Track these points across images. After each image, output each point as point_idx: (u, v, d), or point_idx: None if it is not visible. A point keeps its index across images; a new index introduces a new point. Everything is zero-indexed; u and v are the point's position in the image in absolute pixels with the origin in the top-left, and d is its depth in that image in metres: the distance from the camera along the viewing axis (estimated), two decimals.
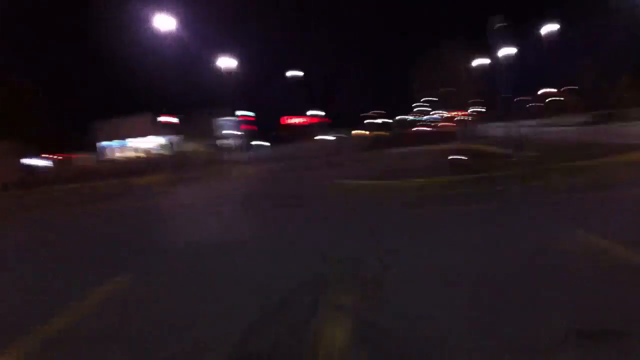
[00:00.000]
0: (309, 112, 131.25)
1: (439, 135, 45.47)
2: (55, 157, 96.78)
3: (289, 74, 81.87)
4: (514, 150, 17.82)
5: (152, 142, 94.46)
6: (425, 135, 47.96)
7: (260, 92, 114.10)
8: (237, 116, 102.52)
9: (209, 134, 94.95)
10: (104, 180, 33.88)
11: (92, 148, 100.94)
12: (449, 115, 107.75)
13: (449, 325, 4.18)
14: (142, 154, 77.28)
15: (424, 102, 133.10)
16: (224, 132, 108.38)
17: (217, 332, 4.53)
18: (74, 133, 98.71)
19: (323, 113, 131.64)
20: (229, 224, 11.18)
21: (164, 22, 31.28)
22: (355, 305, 4.85)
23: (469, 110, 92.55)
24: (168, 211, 15.11)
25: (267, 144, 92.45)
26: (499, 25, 14.57)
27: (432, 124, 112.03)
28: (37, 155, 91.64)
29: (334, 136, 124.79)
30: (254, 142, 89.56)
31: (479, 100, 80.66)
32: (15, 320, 5.52)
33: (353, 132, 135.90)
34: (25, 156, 78.02)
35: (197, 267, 7.12)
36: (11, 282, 7.59)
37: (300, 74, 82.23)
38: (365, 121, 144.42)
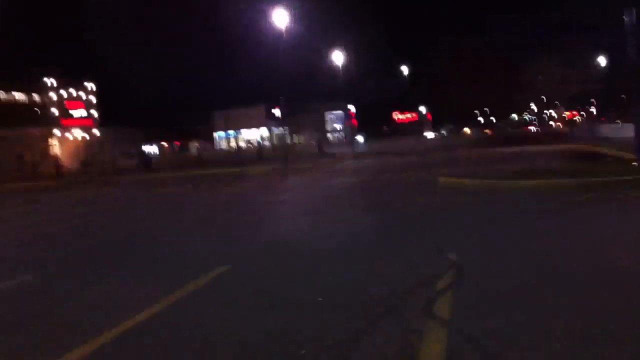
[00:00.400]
0: (417, 108, 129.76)
1: (550, 135, 43.37)
2: (169, 145, 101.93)
3: (401, 68, 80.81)
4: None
5: (263, 134, 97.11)
6: (536, 136, 46.04)
7: (369, 86, 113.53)
8: (347, 110, 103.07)
9: (318, 127, 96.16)
10: (216, 168, 35.04)
11: (209, 137, 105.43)
12: (561, 115, 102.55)
13: None
14: (253, 145, 79.42)
15: (534, 102, 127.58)
16: (332, 125, 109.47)
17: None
18: (192, 122, 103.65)
19: (427, 110, 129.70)
20: (337, 219, 11.19)
21: (280, 17, 32.01)
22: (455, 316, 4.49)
23: (580, 112, 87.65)
24: (280, 202, 15.41)
25: (371, 138, 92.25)
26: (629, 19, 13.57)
27: (541, 124, 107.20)
28: (156, 142, 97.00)
29: (440, 133, 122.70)
30: (359, 136, 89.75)
31: (593, 100, 75.64)
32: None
33: (463, 130, 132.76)
34: (144, 143, 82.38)
35: (310, 264, 7.05)
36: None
37: (408, 70, 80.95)
38: (477, 119, 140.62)
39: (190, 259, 7.84)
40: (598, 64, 58.22)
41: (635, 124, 13.79)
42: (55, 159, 40.55)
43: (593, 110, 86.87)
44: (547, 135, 45.28)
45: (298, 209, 13.03)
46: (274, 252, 7.89)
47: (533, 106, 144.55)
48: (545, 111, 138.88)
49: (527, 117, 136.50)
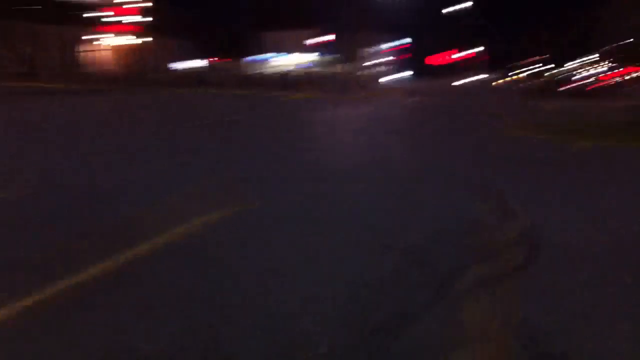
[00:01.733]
0: (470, 48, 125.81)
1: (609, 89, 41.40)
2: (220, 60, 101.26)
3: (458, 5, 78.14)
4: None
5: (309, 59, 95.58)
6: (593, 89, 43.98)
7: (424, 19, 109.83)
8: (395, 44, 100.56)
9: (365, 57, 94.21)
10: (259, 89, 34.87)
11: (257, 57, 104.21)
12: (617, 70, 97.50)
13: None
14: (297, 69, 78.53)
15: (595, 51, 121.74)
16: (380, 57, 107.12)
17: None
18: (242, 40, 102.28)
19: (481, 50, 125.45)
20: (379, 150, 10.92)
21: None
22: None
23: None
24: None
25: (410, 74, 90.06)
26: None
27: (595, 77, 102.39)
28: (204, 57, 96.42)
29: (490, 76, 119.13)
30: (407, 73, 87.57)
31: None
32: None
33: (512, 74, 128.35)
34: (191, 57, 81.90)
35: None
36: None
37: (468, 4, 78.14)
38: (526, 67, 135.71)
39: None
40: None
41: None
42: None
43: None
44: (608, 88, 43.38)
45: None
46: None
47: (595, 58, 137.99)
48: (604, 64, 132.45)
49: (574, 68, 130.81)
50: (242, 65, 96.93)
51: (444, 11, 76.78)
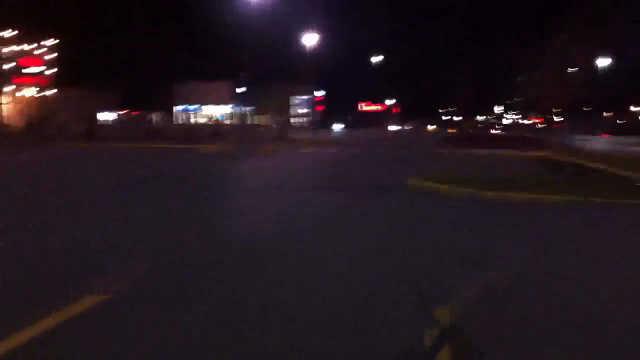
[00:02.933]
0: (385, 100, 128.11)
1: (521, 140, 41.24)
2: (128, 113, 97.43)
3: (372, 59, 78.86)
4: None
5: (225, 111, 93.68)
6: (505, 139, 43.91)
7: (339, 73, 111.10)
8: (314, 95, 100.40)
9: (283, 109, 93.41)
10: (165, 142, 32.38)
11: (169, 109, 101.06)
12: (527, 122, 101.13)
13: None
14: (212, 122, 76.43)
15: (506, 103, 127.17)
16: (298, 109, 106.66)
17: None
18: (152, 92, 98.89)
19: (395, 102, 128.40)
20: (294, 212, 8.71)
21: None
22: None
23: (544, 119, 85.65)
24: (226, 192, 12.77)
25: (342, 126, 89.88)
26: None
27: (505, 127, 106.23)
28: (114, 109, 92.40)
29: (407, 127, 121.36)
30: (334, 125, 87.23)
31: (559, 109, 72.14)
32: None
33: (428, 126, 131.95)
34: (102, 109, 78.26)
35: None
36: None
37: (380, 59, 79.06)
38: (445, 117, 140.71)
39: None
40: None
41: None
42: None
43: (555, 118, 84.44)
44: (512, 139, 43.27)
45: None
46: None
47: (497, 109, 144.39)
48: (506, 115, 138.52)
49: (489, 118, 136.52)
50: (155, 117, 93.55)
51: (372, 60, 76.96)
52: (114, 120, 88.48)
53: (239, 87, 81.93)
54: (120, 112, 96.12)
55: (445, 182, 12.01)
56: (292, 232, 7.63)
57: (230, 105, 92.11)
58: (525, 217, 9.11)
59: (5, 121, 40.82)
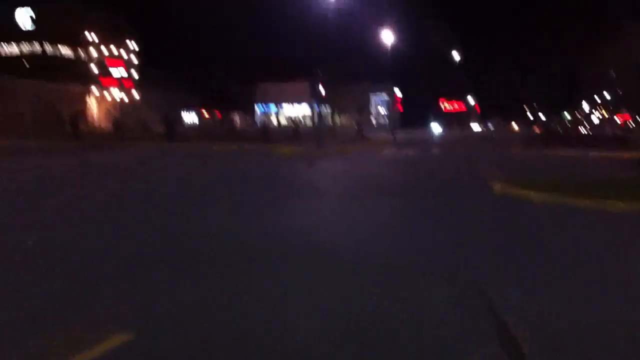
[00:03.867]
0: (465, 98, 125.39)
1: (615, 140, 38.92)
2: (210, 113, 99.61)
3: (452, 54, 77.30)
4: None
5: (303, 111, 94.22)
6: (597, 139, 41.60)
7: (417, 71, 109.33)
8: (394, 94, 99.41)
9: (361, 109, 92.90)
10: (244, 143, 32.66)
11: (250, 109, 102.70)
12: (618, 119, 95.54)
13: None
14: (292, 122, 76.83)
15: (590, 98, 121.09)
16: (377, 109, 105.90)
17: None
18: (234, 92, 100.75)
19: (475, 101, 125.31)
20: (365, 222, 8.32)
21: None
22: None
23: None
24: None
25: (440, 127, 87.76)
26: None
27: (592, 126, 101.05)
28: (195, 110, 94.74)
29: (487, 126, 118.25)
30: (432, 125, 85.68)
31: None
32: None
33: (512, 124, 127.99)
34: (182, 109, 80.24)
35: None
36: None
37: (459, 57, 77.36)
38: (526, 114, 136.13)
39: None
40: None
41: None
42: (72, 117, 37.92)
43: None
44: (605, 139, 40.88)
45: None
46: None
47: (585, 105, 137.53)
48: (593, 110, 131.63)
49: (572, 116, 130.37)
50: (236, 118, 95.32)
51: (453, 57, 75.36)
52: (197, 122, 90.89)
53: (318, 86, 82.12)
54: (203, 113, 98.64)
55: (532, 187, 11.25)
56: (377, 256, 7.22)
57: (309, 105, 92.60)
58: None
59: (95, 123, 42.59)
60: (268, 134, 39.30)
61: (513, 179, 12.67)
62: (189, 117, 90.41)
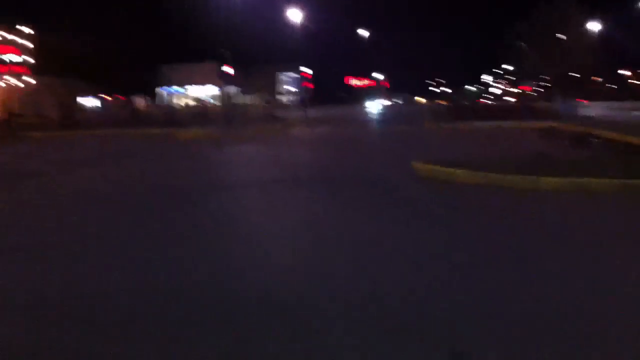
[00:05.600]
0: (372, 74, 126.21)
1: (522, 109, 39.23)
2: (113, 98, 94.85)
3: (358, 31, 76.55)
4: None
5: (210, 92, 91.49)
6: (505, 110, 41.86)
7: (325, 49, 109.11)
8: (300, 72, 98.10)
9: (269, 88, 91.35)
10: (148, 128, 30.53)
11: (152, 92, 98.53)
12: (513, 90, 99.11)
13: None
14: (198, 103, 74.29)
15: (494, 73, 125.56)
16: (286, 87, 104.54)
17: None
18: (135, 75, 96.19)
19: (383, 77, 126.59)
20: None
21: None
22: None
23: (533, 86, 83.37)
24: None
25: (325, 104, 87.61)
26: None
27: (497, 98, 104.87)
28: (94, 94, 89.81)
29: (395, 101, 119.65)
30: (368, 103, 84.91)
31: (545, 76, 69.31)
32: None
33: (416, 99, 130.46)
34: (82, 95, 76.09)
35: None
36: None
37: (367, 34, 76.74)
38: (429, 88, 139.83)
39: None
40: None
41: None
42: None
43: (547, 86, 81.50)
44: (513, 109, 41.43)
45: None
46: None
47: (485, 77, 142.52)
48: (494, 84, 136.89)
49: (477, 89, 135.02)
50: (139, 102, 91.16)
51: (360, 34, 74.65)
52: (97, 107, 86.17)
53: (224, 66, 79.70)
54: (104, 98, 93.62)
55: (457, 165, 10.28)
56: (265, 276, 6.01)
57: (216, 86, 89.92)
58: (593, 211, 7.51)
59: None
60: (174, 116, 37.16)
61: (435, 158, 11.63)
62: (91, 102, 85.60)
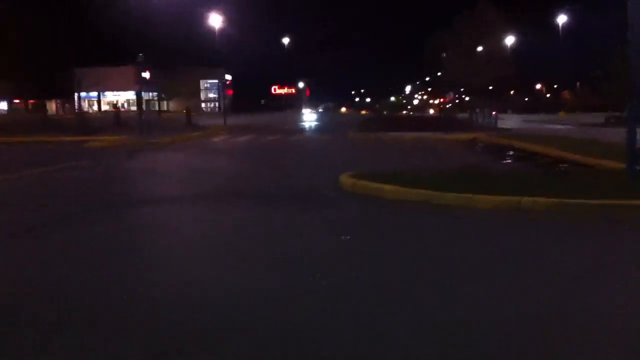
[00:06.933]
0: (296, 83, 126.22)
1: (444, 121, 39.73)
2: (23, 103, 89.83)
3: (282, 39, 76.20)
4: None
5: (129, 97, 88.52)
6: (427, 121, 42.29)
7: (249, 55, 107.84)
8: (224, 79, 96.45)
9: (192, 94, 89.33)
10: (59, 135, 28.54)
11: (69, 96, 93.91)
12: (433, 102, 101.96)
13: None
14: (113, 108, 71.53)
15: (414, 84, 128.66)
16: (208, 94, 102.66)
17: None
18: (51, 79, 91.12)
19: (305, 85, 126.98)
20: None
21: None
22: None
23: (448, 98, 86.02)
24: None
25: (247, 111, 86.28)
26: None
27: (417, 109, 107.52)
28: (7, 99, 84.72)
29: (317, 110, 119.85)
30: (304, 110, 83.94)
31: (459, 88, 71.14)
32: None
33: (342, 109, 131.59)
34: None
35: None
36: None
37: (289, 41, 76.57)
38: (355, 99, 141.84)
39: None
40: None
41: (630, 122, 9.37)
42: None
43: (462, 98, 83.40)
44: (435, 120, 41.86)
45: None
46: None
47: (408, 89, 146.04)
48: (416, 95, 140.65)
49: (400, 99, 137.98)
50: (51, 107, 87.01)
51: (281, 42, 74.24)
52: (6, 111, 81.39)
53: (144, 71, 77.03)
54: (14, 101, 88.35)
55: (386, 180, 9.56)
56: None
57: (135, 92, 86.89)
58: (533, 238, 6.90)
59: None
60: (85, 122, 35.08)
61: (362, 171, 10.87)
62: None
